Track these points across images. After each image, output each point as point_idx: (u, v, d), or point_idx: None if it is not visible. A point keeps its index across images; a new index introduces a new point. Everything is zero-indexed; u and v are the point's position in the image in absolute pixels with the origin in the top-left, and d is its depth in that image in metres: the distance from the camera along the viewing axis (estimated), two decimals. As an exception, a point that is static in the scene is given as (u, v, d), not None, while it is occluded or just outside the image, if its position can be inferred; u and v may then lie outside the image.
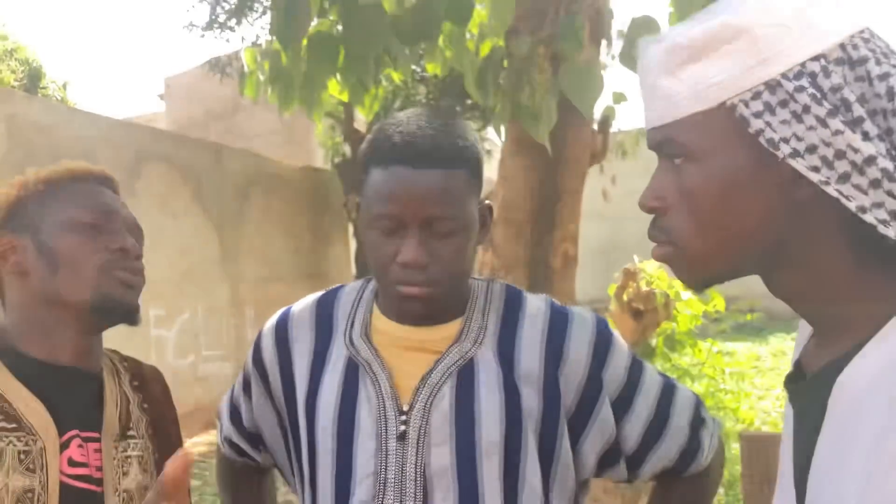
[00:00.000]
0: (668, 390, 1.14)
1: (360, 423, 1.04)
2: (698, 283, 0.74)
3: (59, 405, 1.04)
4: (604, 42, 2.35)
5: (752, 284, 0.81)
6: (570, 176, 2.67)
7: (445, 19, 2.20)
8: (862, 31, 0.65)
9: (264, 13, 8.81)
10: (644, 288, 3.36)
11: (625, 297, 3.43)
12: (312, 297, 1.18)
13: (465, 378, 1.04)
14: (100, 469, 1.04)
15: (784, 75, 0.64)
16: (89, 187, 1.14)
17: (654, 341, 3.33)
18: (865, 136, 0.61)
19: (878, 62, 0.63)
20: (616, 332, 1.14)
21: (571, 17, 1.96)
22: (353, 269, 10.99)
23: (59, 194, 1.11)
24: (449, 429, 1.03)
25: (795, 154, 0.63)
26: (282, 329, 1.16)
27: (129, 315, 1.10)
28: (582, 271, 3.16)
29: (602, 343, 1.09)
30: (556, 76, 2.07)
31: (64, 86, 11.09)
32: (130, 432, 1.12)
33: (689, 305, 3.43)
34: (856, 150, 0.61)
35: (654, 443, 1.11)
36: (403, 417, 1.04)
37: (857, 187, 0.61)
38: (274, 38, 2.86)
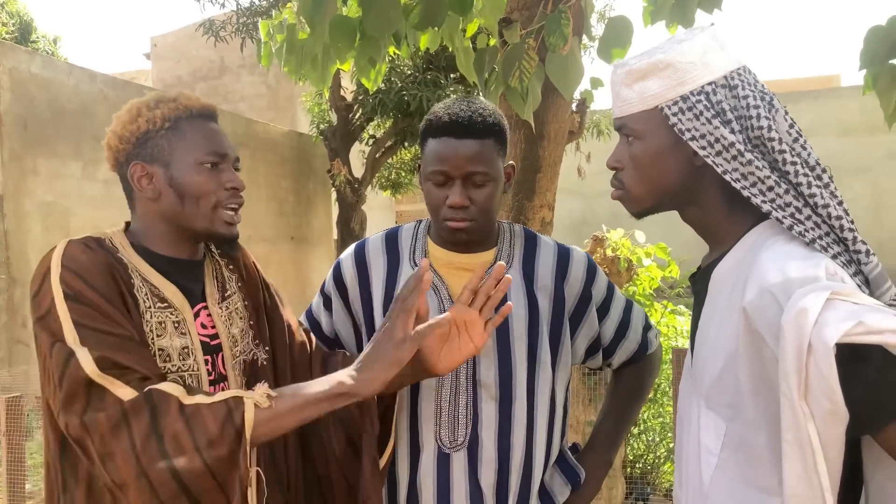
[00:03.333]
0: (629, 304, 1.66)
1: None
2: (638, 213, 1.20)
3: (186, 287, 1.33)
4: (584, 35, 2.69)
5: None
6: (550, 150, 2.97)
7: (449, 9, 2.54)
8: (739, 68, 1.10)
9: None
10: (610, 253, 3.77)
11: (593, 261, 3.82)
12: (380, 233, 1.61)
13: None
14: (214, 326, 1.36)
15: (691, 92, 1.08)
16: (206, 126, 1.33)
17: (616, 301, 3.72)
18: (732, 131, 1.06)
19: (744, 87, 1.08)
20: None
21: (557, 14, 2.26)
22: (335, 233, 11.29)
23: (184, 132, 1.30)
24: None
25: (693, 139, 1.08)
26: (360, 255, 1.58)
27: (232, 245, 1.37)
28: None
29: (591, 269, 1.58)
30: (541, 63, 2.37)
31: (54, 41, 11.14)
32: (228, 293, 1.41)
33: (648, 270, 3.85)
34: (725, 138, 1.06)
35: (622, 339, 1.62)
36: None
37: (725, 159, 1.07)
38: (279, 9, 3.18)
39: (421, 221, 1.61)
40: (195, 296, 1.36)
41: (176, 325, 1.29)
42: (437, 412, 1.46)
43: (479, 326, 1.28)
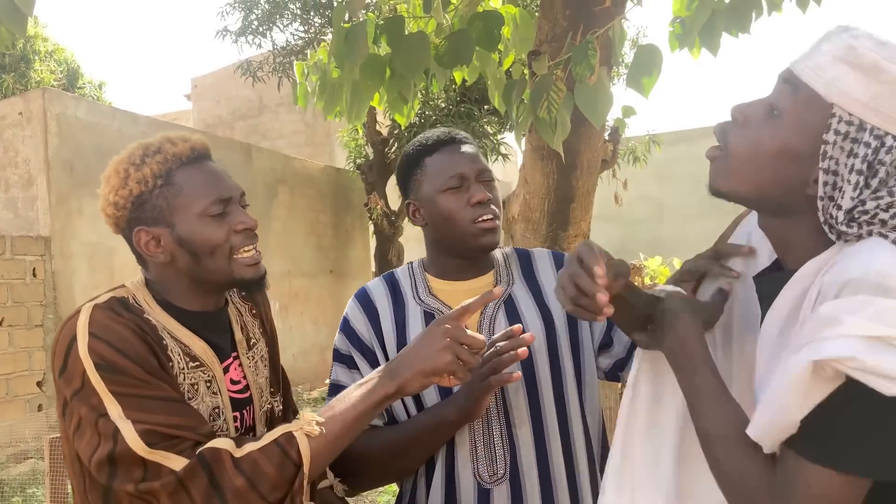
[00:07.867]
0: None
1: None
2: (718, 190, 0.99)
3: (214, 341, 1.27)
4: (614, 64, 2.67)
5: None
6: (583, 180, 2.95)
7: (476, 45, 2.56)
8: None
9: (294, 20, 9.22)
10: (648, 282, 3.72)
11: (630, 290, 3.77)
12: (378, 278, 1.57)
13: (510, 307, 1.48)
14: (244, 377, 1.31)
15: (872, 129, 0.85)
16: (201, 171, 1.22)
17: (655, 329, 3.66)
18: (855, 195, 0.87)
19: None
20: None
21: (584, 45, 2.25)
22: (373, 266, 11.34)
23: (179, 186, 1.20)
24: None
25: (827, 170, 0.89)
26: (364, 299, 1.53)
27: (259, 286, 1.29)
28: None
29: None
30: (570, 94, 2.37)
31: (100, 86, 11.50)
32: (252, 340, 1.35)
33: (687, 298, 3.78)
34: (842, 196, 0.88)
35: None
36: None
37: (836, 206, 0.89)
38: (314, 48, 3.24)
39: (413, 262, 1.59)
40: (224, 350, 1.30)
41: (208, 384, 1.24)
42: (472, 446, 1.41)
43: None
